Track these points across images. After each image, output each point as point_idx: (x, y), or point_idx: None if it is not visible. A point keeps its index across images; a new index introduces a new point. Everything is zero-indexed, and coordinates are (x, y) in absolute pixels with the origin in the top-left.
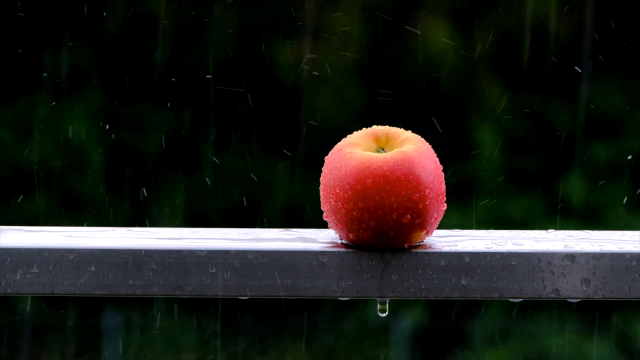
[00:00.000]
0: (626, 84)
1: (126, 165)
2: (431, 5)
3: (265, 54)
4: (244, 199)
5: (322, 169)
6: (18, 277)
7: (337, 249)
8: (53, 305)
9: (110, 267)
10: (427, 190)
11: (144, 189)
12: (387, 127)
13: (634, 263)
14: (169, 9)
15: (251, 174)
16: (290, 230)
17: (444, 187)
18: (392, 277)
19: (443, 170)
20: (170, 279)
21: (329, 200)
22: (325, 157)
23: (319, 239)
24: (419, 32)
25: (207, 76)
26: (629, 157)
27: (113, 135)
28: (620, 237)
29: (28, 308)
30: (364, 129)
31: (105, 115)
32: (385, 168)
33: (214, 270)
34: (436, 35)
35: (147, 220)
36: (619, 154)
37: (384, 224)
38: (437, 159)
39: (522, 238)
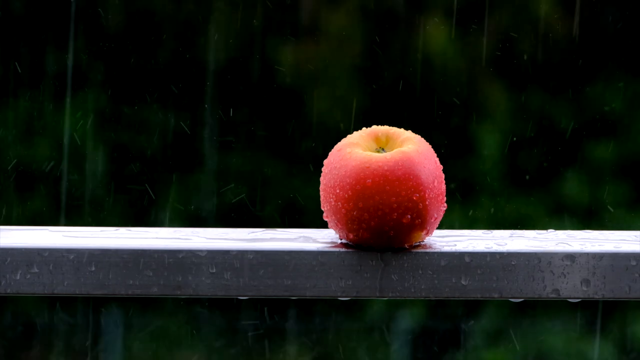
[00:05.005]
0: (627, 84)
1: (126, 165)
2: (431, 5)
3: (265, 54)
4: (244, 199)
5: (322, 169)
6: (18, 277)
7: (337, 249)
8: (53, 305)
9: (110, 267)
10: (427, 191)
11: (144, 189)
12: (387, 127)
13: (634, 263)
14: (169, 8)
15: (251, 174)
16: (290, 230)
17: (444, 187)
18: (392, 277)
19: (443, 171)
20: (170, 279)
21: (329, 200)
22: (325, 158)
23: (319, 239)
24: (419, 32)
25: (208, 76)
26: (630, 157)
27: (113, 135)
28: (620, 237)
29: (28, 308)
30: (364, 129)
31: (106, 114)
32: (386, 168)
33: (214, 270)
34: (436, 35)
35: (147, 220)
36: (619, 153)
37: (384, 224)
38: (437, 159)
39: (522, 238)
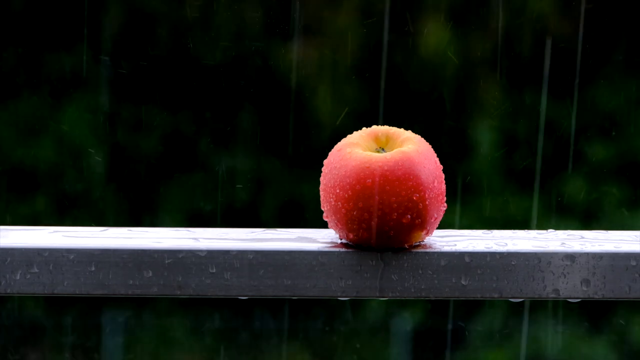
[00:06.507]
0: (627, 84)
1: (126, 165)
2: (431, 5)
3: (265, 54)
4: (244, 198)
5: (322, 169)
6: (18, 277)
7: (337, 249)
8: (53, 305)
9: (110, 267)
10: (427, 191)
11: (144, 189)
12: (387, 127)
13: (633, 263)
14: (169, 8)
15: (251, 174)
16: (290, 230)
17: (444, 187)
18: (392, 277)
19: (443, 170)
20: (170, 279)
21: (329, 200)
22: (325, 157)
23: (319, 239)
24: (419, 32)
25: (207, 76)
26: (630, 157)
27: (113, 135)
28: (620, 237)
29: (28, 308)
30: (364, 129)
31: (106, 115)
32: (386, 168)
33: (214, 270)
34: (436, 35)
35: (147, 221)
36: (619, 153)
37: (384, 224)
38: (437, 159)
39: (522, 238)
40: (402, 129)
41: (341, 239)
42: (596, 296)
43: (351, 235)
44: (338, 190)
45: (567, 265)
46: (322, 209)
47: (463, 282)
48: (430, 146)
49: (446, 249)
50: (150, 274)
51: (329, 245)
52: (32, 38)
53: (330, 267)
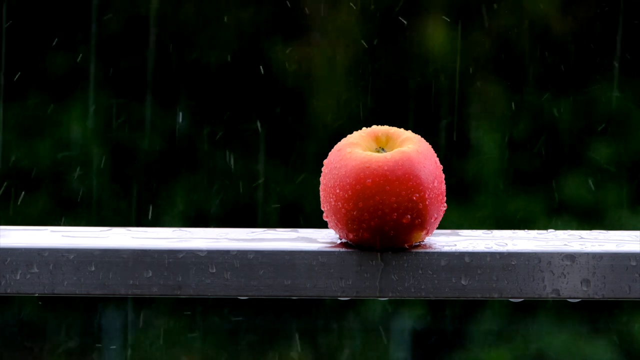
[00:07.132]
0: (627, 83)
1: (126, 165)
2: (431, 5)
3: (264, 54)
4: (244, 199)
5: (322, 169)
6: (18, 277)
7: (337, 249)
8: (53, 305)
9: (110, 267)
10: (427, 191)
11: (144, 189)
12: (387, 127)
13: (634, 263)
14: (169, 8)
15: (251, 174)
16: (290, 230)
17: (444, 187)
18: (392, 277)
19: (443, 170)
20: (170, 279)
21: (329, 200)
22: (325, 158)
23: (319, 239)
24: (418, 32)
25: (207, 76)
26: (630, 157)
27: (113, 135)
28: (620, 237)
29: (28, 308)
30: (364, 128)
31: (106, 114)
32: (386, 168)
33: (214, 270)
34: (436, 35)
35: (147, 220)
36: (619, 153)
37: (384, 224)
38: (437, 159)
39: (522, 238)
40: (402, 129)
41: (341, 239)
42: (596, 296)
43: (351, 235)
44: (338, 190)
45: (567, 265)
46: (322, 209)
47: (463, 282)
48: (430, 146)
49: (446, 249)
50: (150, 274)
51: (329, 245)
52: (32, 38)
53: (330, 267)
